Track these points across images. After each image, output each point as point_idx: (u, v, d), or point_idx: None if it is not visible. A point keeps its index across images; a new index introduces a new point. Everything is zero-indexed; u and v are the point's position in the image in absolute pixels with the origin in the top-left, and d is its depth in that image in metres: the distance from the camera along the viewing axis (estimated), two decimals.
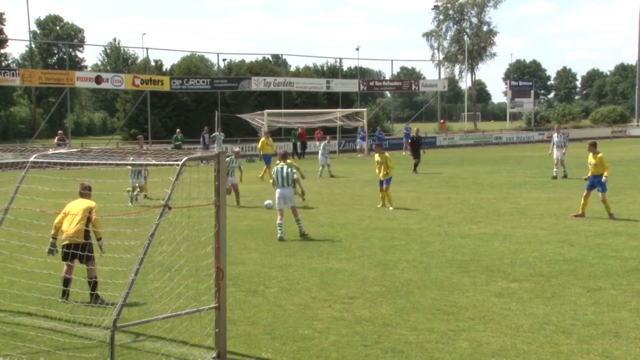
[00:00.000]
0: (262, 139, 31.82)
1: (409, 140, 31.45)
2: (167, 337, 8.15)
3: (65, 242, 9.81)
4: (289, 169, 14.96)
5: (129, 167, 20.43)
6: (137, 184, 21.20)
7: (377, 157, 19.91)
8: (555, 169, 26.67)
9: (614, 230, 14.95)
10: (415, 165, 30.86)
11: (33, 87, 57.60)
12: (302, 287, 10.71)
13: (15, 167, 10.15)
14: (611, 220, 16.33)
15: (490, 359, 7.53)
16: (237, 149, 23.60)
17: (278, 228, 14.68)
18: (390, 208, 19.05)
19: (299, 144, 44.95)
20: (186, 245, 9.37)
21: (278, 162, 15.23)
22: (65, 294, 9.99)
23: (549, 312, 9.12)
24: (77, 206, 10.04)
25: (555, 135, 26.92)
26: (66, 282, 10.04)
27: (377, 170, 19.89)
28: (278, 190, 14.87)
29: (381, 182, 19.55)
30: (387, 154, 19.86)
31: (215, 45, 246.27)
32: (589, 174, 17.07)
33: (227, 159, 19.55)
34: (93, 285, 9.78)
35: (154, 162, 7.93)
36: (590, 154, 17.03)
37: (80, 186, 10.40)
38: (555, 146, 26.63)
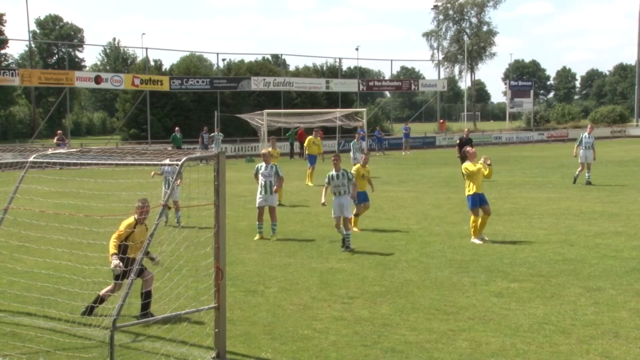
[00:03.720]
0: (310, 137, 28.82)
1: (458, 142, 27.30)
2: (166, 337, 8.15)
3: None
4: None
5: (156, 173, 16.68)
6: (174, 199, 16.57)
7: (470, 165, 14.30)
8: (578, 172, 24.29)
9: (613, 231, 14.95)
10: None
11: (32, 87, 57.60)
12: (301, 287, 10.71)
13: (15, 167, 10.14)
14: (611, 220, 16.32)
15: (489, 358, 7.53)
16: (265, 150, 16.67)
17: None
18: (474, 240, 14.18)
19: (297, 144, 44.85)
20: (186, 245, 9.38)
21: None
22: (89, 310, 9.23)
23: (548, 312, 9.12)
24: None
25: (586, 135, 24.54)
26: (97, 300, 9.25)
27: (471, 187, 14.22)
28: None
29: (479, 201, 14.23)
30: (481, 163, 14.39)
31: (215, 45, 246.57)
32: None
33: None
34: (145, 295, 9.21)
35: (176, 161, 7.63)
36: None
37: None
38: (583, 147, 24.22)
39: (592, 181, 23.98)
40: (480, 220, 14.12)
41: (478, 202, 14.14)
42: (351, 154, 30.37)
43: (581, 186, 23.43)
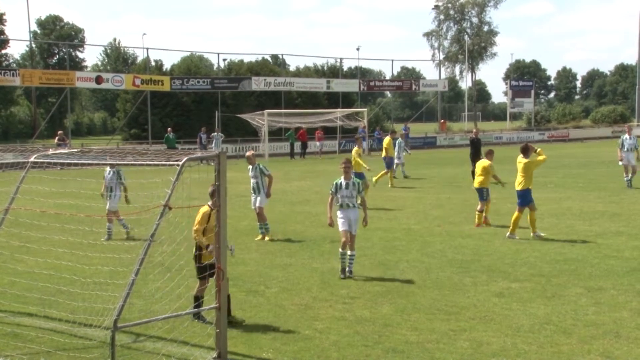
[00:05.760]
0: (388, 137, 27.42)
1: (469, 143, 27.30)
2: (167, 337, 8.15)
3: None
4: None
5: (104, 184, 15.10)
6: (111, 208, 14.99)
7: (535, 156, 14.66)
8: (626, 177, 23.15)
9: (614, 231, 14.94)
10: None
11: (33, 87, 57.59)
12: (302, 287, 10.71)
13: (16, 167, 10.15)
14: (612, 220, 16.30)
15: (491, 359, 7.53)
16: (249, 152, 15.52)
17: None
18: (532, 234, 14.46)
19: (298, 144, 44.78)
20: (186, 245, 9.37)
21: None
22: (197, 316, 8.98)
23: (549, 312, 9.12)
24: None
25: (626, 137, 23.55)
26: (194, 299, 9.08)
27: (517, 180, 14.54)
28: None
29: (522, 199, 14.48)
30: (539, 157, 14.63)
31: (215, 45, 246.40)
32: None
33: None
34: (194, 299, 9.06)
35: (155, 162, 7.80)
36: None
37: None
38: (626, 150, 23.31)
39: (623, 182, 23.22)
40: (521, 215, 14.52)
41: None
42: (396, 153, 29.76)
43: (619, 188, 22.59)
